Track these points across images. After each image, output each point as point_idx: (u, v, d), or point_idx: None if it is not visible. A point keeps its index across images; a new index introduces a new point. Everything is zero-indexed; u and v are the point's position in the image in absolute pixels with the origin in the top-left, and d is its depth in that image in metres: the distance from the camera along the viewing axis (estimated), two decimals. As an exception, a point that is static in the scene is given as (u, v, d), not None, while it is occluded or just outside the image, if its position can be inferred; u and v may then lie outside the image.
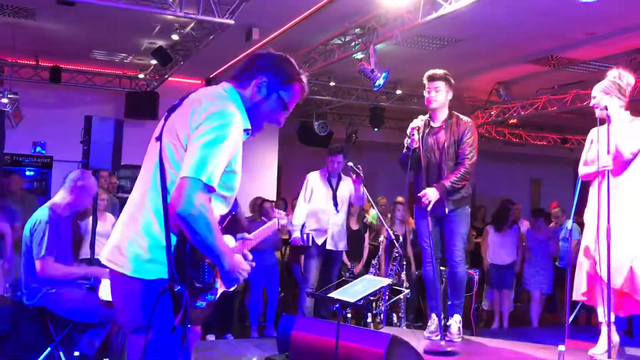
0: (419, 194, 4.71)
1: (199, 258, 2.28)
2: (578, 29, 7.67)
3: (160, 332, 2.21)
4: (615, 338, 4.23)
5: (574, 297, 4.37)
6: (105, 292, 4.35)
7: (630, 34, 7.73)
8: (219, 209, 2.38)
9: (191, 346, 2.48)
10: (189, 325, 2.18)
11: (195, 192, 2.14)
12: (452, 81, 4.86)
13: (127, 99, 10.84)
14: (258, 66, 2.45)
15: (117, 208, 7.53)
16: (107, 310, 4.38)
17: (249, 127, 2.45)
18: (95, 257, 6.11)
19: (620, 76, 4.28)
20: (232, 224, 2.79)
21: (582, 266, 4.31)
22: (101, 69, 10.91)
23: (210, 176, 2.19)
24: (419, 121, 4.84)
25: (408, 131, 4.83)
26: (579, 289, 4.33)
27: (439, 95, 4.81)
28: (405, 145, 4.87)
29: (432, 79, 4.82)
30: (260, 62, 2.46)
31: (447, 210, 4.72)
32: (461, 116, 4.89)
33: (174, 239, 2.23)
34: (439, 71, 4.84)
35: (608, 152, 4.09)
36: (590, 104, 4.35)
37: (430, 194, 4.64)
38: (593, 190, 4.31)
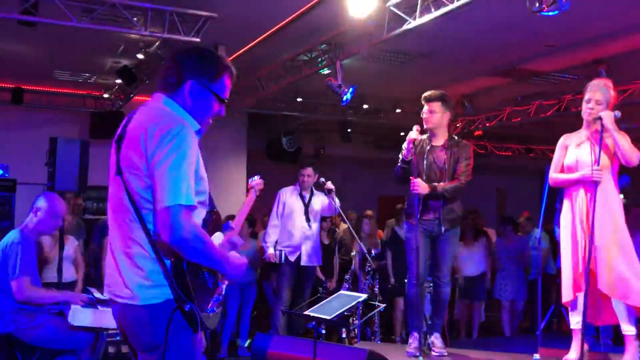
0: (412, 188, 4.68)
1: (197, 268, 2.37)
2: (538, 41, 7.84)
3: (176, 349, 2.30)
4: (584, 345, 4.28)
5: (564, 300, 4.35)
6: (76, 317, 4.27)
7: (588, 46, 7.92)
8: (200, 214, 2.44)
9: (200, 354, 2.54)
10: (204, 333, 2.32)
11: (179, 217, 2.21)
12: (449, 101, 4.93)
13: (92, 119, 10.71)
14: (182, 71, 2.46)
15: (82, 230, 7.41)
16: (77, 336, 4.29)
17: (198, 126, 2.48)
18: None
19: (608, 86, 4.31)
20: (214, 220, 2.84)
21: (565, 272, 4.32)
22: (64, 89, 10.75)
23: (187, 196, 2.24)
24: (415, 133, 4.85)
25: (404, 144, 4.85)
26: (567, 292, 4.30)
27: (435, 116, 4.87)
28: (400, 157, 4.89)
29: (428, 99, 4.89)
30: (183, 65, 2.47)
31: (443, 230, 4.77)
32: (460, 139, 5.00)
33: (167, 262, 2.31)
34: (436, 92, 4.91)
35: (596, 162, 4.15)
36: (590, 106, 4.27)
37: (422, 186, 4.66)
38: (570, 197, 4.34)
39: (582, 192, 4.25)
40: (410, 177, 4.72)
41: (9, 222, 10.36)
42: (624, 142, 4.16)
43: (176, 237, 2.21)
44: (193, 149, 2.32)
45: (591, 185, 4.16)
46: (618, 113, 4.17)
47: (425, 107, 4.90)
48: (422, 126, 4.94)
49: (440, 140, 4.91)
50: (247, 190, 4.43)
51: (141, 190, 2.31)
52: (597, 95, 4.26)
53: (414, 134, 4.82)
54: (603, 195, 4.17)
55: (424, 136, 4.95)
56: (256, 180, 4.52)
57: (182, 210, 2.22)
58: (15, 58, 8.85)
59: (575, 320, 4.27)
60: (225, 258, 2.41)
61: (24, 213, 4.73)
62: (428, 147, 4.88)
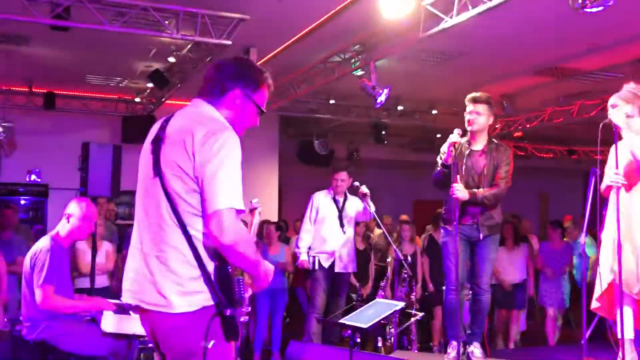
0: (451, 193, 4.64)
1: (235, 276, 2.41)
2: (581, 39, 7.70)
3: (213, 357, 2.32)
4: (633, 355, 4.19)
5: (592, 307, 4.32)
6: (108, 324, 4.32)
7: (633, 43, 7.76)
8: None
9: None
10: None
11: (232, 221, 2.26)
12: (494, 105, 4.90)
13: (123, 123, 10.90)
14: (226, 80, 2.51)
15: (115, 235, 7.52)
16: (110, 342, 4.35)
17: (236, 134, 2.51)
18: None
19: (636, 88, 4.26)
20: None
21: (601, 277, 4.27)
22: (96, 93, 10.97)
23: (238, 200, 2.30)
24: (455, 136, 4.78)
25: (444, 147, 4.82)
26: (597, 297, 4.29)
27: (480, 119, 4.82)
28: (439, 161, 4.86)
29: (474, 101, 4.83)
30: (227, 74, 2.52)
31: (481, 236, 4.75)
32: (500, 143, 4.96)
33: (208, 266, 2.34)
34: (483, 94, 4.87)
35: (616, 167, 4.09)
36: (609, 112, 4.27)
37: (461, 191, 4.62)
38: (610, 204, 4.29)
39: (622, 197, 4.17)
40: (451, 183, 4.68)
41: (41, 226, 10.64)
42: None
43: (228, 240, 2.25)
44: (239, 154, 2.37)
45: (628, 189, 4.09)
46: (631, 109, 4.10)
47: (471, 108, 4.84)
48: (459, 127, 4.89)
49: (480, 145, 4.87)
50: (251, 212, 4.34)
51: (183, 193, 2.33)
52: (612, 100, 4.25)
53: (455, 137, 4.76)
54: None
55: (463, 139, 4.90)
56: (257, 201, 4.42)
57: (233, 214, 2.27)
58: (47, 63, 9.05)
59: (624, 329, 4.18)
60: (262, 265, 2.46)
61: (56, 218, 4.80)
62: (467, 152, 4.84)
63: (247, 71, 2.56)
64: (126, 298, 2.45)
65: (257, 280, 2.48)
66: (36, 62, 9.01)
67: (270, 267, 2.52)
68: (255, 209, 4.31)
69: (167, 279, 2.33)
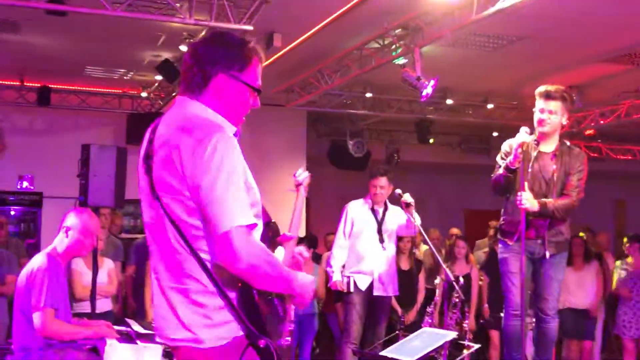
0: (519, 204, 4.62)
1: (266, 295, 2.42)
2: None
3: None
4: None
5: None
6: (112, 354, 4.36)
7: None
8: (257, 231, 2.47)
9: None
10: None
11: (242, 241, 2.23)
12: (572, 101, 4.87)
13: (128, 121, 11.03)
14: (204, 65, 2.46)
15: (120, 252, 7.60)
16: (113, 376, 4.39)
17: (235, 129, 2.50)
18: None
19: None
20: (273, 233, 2.86)
21: None
22: (97, 88, 11.12)
23: (245, 215, 2.27)
24: (524, 136, 4.76)
25: (505, 145, 4.80)
26: None
27: (553, 118, 4.82)
28: (502, 164, 4.85)
29: (547, 97, 4.82)
30: (204, 59, 2.47)
31: (547, 254, 4.76)
32: (574, 145, 4.95)
33: (230, 293, 2.34)
34: (557, 89, 4.84)
35: None
36: None
37: (531, 202, 4.61)
38: None
39: None
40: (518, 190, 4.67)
41: (35, 241, 10.81)
42: None
43: (243, 265, 2.23)
44: (237, 157, 2.34)
45: None
46: None
47: (542, 105, 4.82)
48: (518, 123, 4.87)
49: (550, 146, 4.84)
50: (296, 188, 4.41)
51: (186, 217, 2.33)
52: None
53: (524, 136, 4.74)
54: None
55: (531, 138, 4.86)
56: (302, 173, 4.48)
57: (244, 232, 2.24)
58: (41, 53, 9.20)
59: None
60: (294, 278, 2.42)
61: (51, 231, 4.86)
62: (535, 153, 4.81)
63: (225, 48, 2.48)
64: (157, 337, 2.51)
65: (295, 297, 2.46)
66: (28, 52, 9.16)
67: (307, 279, 2.49)
68: (300, 184, 4.32)
69: (190, 312, 2.35)
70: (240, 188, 2.30)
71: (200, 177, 2.26)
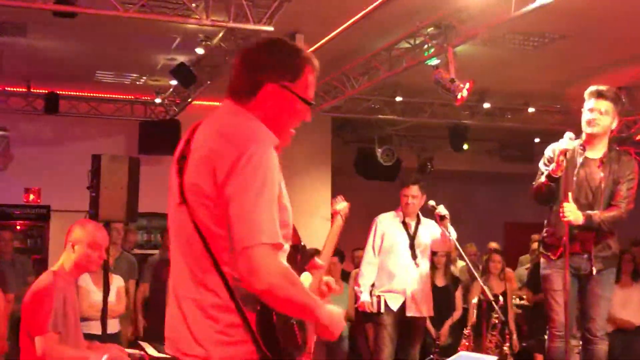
0: (561, 216, 4.60)
1: (286, 320, 2.41)
2: None
3: None
4: None
5: None
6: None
7: None
8: (284, 252, 2.47)
9: None
10: None
11: (265, 259, 2.24)
12: (623, 103, 4.88)
13: (141, 129, 11.10)
14: (254, 73, 2.48)
15: (134, 270, 7.63)
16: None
17: (278, 141, 2.49)
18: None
19: None
20: (302, 258, 2.86)
21: None
22: (108, 93, 11.22)
23: (272, 233, 2.27)
24: (568, 142, 4.75)
25: (551, 152, 4.80)
26: None
27: (604, 119, 4.80)
28: (545, 171, 4.84)
29: (598, 96, 4.81)
30: (254, 65, 2.49)
31: (594, 270, 4.72)
32: (623, 152, 4.94)
33: (248, 312, 2.34)
34: (609, 89, 4.84)
35: None
36: None
37: (575, 214, 4.58)
38: None
39: None
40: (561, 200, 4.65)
41: (41, 257, 10.89)
42: None
43: (263, 284, 2.22)
44: (273, 172, 2.34)
45: None
46: None
47: (592, 105, 4.80)
48: (563, 128, 4.84)
49: (598, 152, 4.82)
50: (332, 216, 4.44)
51: (213, 225, 2.35)
52: None
53: (567, 143, 4.72)
54: None
55: (575, 142, 4.83)
56: (340, 202, 4.51)
57: (267, 250, 2.24)
58: (49, 57, 9.32)
59: None
60: (319, 307, 2.39)
61: (59, 247, 4.84)
62: (581, 159, 4.78)
63: (279, 57, 2.51)
64: (167, 346, 2.52)
65: (321, 328, 2.45)
66: (35, 57, 9.28)
67: (335, 313, 2.48)
68: (337, 213, 4.32)
69: (205, 326, 2.36)
70: (272, 205, 2.30)
71: (231, 187, 2.28)
